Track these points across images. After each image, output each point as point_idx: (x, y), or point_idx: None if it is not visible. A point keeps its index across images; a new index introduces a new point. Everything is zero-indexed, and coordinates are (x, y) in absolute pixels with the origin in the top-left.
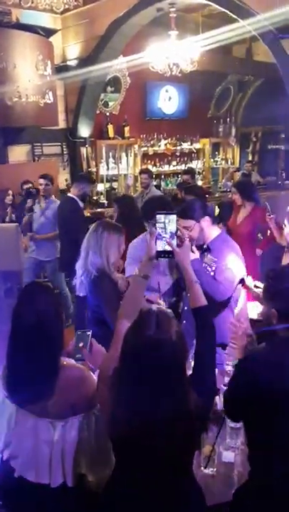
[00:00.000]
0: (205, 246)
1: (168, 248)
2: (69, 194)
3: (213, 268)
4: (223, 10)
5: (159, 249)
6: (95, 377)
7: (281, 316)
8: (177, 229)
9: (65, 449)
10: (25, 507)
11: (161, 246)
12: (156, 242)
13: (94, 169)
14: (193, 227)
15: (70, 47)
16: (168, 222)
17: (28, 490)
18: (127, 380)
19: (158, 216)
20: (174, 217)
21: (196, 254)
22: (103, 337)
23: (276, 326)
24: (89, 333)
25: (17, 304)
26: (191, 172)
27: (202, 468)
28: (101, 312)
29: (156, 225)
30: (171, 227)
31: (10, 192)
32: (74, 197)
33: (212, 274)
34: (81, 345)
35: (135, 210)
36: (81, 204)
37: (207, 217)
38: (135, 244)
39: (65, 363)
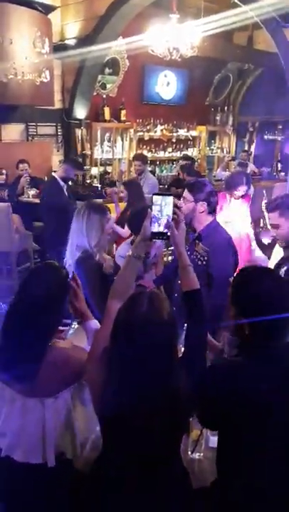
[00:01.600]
0: (196, 234)
1: (163, 230)
2: (53, 173)
3: (206, 258)
4: None
5: (154, 231)
6: (83, 349)
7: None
8: (174, 212)
9: (58, 425)
10: (12, 487)
11: (156, 227)
12: (151, 223)
13: (88, 152)
14: (188, 201)
15: (69, 25)
16: (164, 205)
17: (14, 470)
18: (118, 359)
19: (155, 198)
20: (170, 199)
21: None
22: None
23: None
24: None
25: (24, 282)
26: (189, 158)
27: (189, 452)
28: (85, 293)
29: (153, 206)
30: (168, 209)
31: (3, 171)
32: (56, 176)
33: (204, 263)
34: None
35: (142, 195)
36: (62, 183)
37: (205, 204)
38: (129, 244)
39: (53, 341)
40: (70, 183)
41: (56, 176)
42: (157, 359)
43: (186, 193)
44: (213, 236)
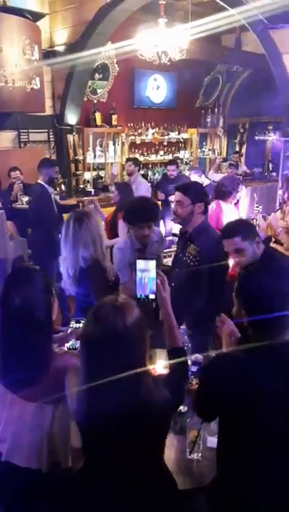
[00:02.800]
0: (188, 235)
1: (150, 295)
2: (38, 181)
3: (198, 258)
4: None
5: (139, 296)
6: None
7: (248, 313)
8: (158, 273)
9: (55, 433)
10: (12, 492)
11: (140, 292)
12: (135, 288)
13: (81, 157)
14: (184, 205)
15: (58, 32)
16: (148, 270)
17: (14, 475)
18: (87, 368)
19: (138, 262)
20: (153, 263)
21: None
22: None
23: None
24: (83, 321)
25: (3, 290)
26: (175, 162)
27: (187, 453)
28: (88, 301)
29: (137, 271)
30: (152, 273)
31: None
32: (41, 182)
33: (196, 264)
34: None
35: (133, 197)
36: (50, 189)
37: (202, 204)
38: (122, 249)
39: (57, 350)
40: (61, 187)
41: (42, 183)
42: (124, 364)
43: (181, 197)
44: (205, 236)
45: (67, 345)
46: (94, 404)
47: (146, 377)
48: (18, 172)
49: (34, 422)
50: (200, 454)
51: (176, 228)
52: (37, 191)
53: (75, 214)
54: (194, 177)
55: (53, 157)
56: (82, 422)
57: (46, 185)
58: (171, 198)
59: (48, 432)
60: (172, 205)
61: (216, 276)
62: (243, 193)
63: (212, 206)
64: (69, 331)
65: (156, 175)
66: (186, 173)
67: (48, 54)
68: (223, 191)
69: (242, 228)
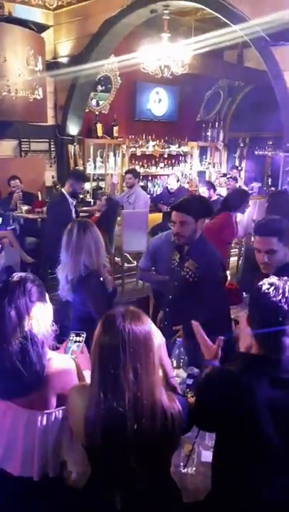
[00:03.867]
0: (186, 250)
1: None
2: (62, 189)
3: (197, 275)
4: (216, 14)
5: None
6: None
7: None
8: None
9: (48, 440)
10: (6, 500)
11: None
12: None
13: (81, 167)
14: (189, 223)
15: (62, 44)
16: None
17: (8, 483)
18: (100, 378)
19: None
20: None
21: None
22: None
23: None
24: (83, 335)
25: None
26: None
27: (181, 467)
28: (85, 310)
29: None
30: None
31: None
32: (64, 192)
33: (195, 280)
34: (75, 347)
35: (116, 215)
36: (70, 200)
37: (205, 219)
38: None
39: (52, 355)
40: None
41: (65, 193)
42: (138, 378)
43: (183, 216)
44: (203, 251)
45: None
46: (106, 414)
47: (160, 387)
48: (17, 181)
49: (29, 429)
50: (194, 469)
51: None
52: (56, 198)
53: (79, 221)
54: (203, 190)
55: (53, 167)
56: (92, 431)
57: (67, 195)
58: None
59: (41, 439)
60: (171, 225)
61: (215, 291)
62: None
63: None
64: (69, 346)
65: (156, 187)
66: (186, 185)
67: (52, 65)
68: (231, 204)
69: (281, 229)
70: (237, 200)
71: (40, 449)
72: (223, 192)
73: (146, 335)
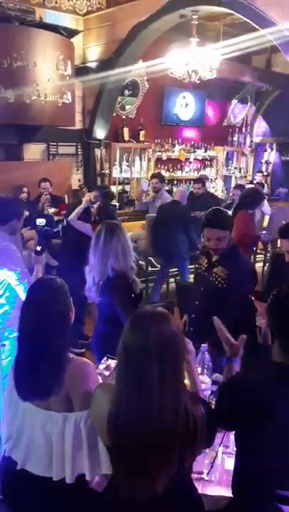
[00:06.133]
0: (215, 257)
1: None
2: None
3: (226, 281)
4: (245, 19)
5: None
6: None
7: (273, 333)
8: None
9: (64, 444)
10: (26, 502)
11: None
12: None
13: (107, 171)
14: (226, 237)
15: (91, 49)
16: None
17: (29, 484)
18: (125, 379)
19: None
20: None
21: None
22: (112, 336)
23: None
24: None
25: (24, 302)
26: (202, 181)
27: (204, 474)
28: (112, 311)
29: None
30: None
31: (25, 189)
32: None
33: (224, 286)
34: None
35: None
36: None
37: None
38: None
39: (71, 356)
40: None
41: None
42: (164, 379)
43: (221, 232)
44: (234, 258)
45: None
46: (129, 414)
47: (185, 390)
48: (48, 183)
49: (44, 431)
50: (217, 476)
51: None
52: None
53: (108, 224)
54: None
55: (80, 170)
56: (115, 431)
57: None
58: (195, 213)
59: (58, 441)
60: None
61: (244, 300)
62: (266, 209)
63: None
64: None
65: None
66: (212, 190)
67: (81, 70)
68: (254, 199)
69: None
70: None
71: (58, 451)
72: None
73: (174, 336)
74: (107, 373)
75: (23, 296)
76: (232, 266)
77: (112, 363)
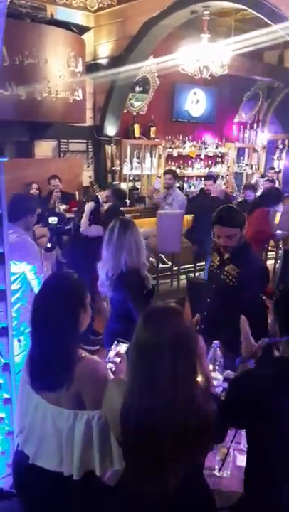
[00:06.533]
0: (227, 255)
1: None
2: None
3: (237, 279)
4: (257, 14)
5: None
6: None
7: (282, 330)
8: None
9: (74, 441)
10: (38, 496)
11: None
12: None
13: (118, 168)
14: (237, 235)
15: (102, 45)
16: None
17: (40, 478)
18: (138, 375)
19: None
20: None
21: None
22: (124, 333)
23: (281, 338)
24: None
25: (36, 294)
26: (213, 177)
27: (216, 470)
28: (124, 308)
29: None
30: None
31: (34, 185)
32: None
33: (235, 285)
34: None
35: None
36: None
37: (245, 226)
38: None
39: (83, 354)
40: None
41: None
42: (177, 375)
43: (231, 230)
44: (247, 257)
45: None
46: (142, 409)
47: (197, 386)
48: (57, 180)
49: (55, 426)
50: (229, 472)
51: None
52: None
53: (121, 220)
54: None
55: (91, 167)
56: (127, 426)
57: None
58: None
59: (67, 437)
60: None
61: (255, 298)
62: (279, 206)
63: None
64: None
65: (192, 188)
66: (223, 187)
67: (92, 66)
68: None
69: None
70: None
71: (68, 447)
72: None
73: (188, 331)
74: (118, 360)
75: (37, 290)
76: (243, 264)
77: (124, 347)
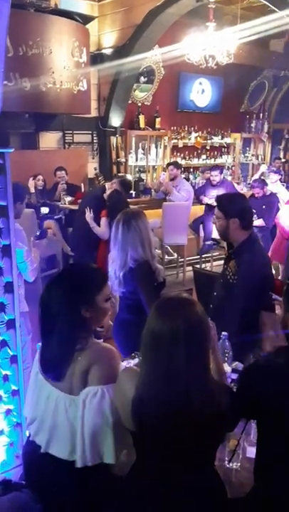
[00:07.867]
0: (230, 251)
1: None
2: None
3: (235, 277)
4: (263, 1)
5: None
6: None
7: None
8: None
9: (86, 428)
10: (50, 486)
11: None
12: None
13: (123, 159)
14: (219, 219)
15: (106, 35)
16: None
17: (53, 467)
18: (152, 365)
19: None
20: None
21: None
22: (134, 324)
23: None
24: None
25: (43, 291)
26: (219, 168)
27: (226, 462)
28: (134, 298)
29: None
30: None
31: (40, 177)
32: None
33: (234, 282)
34: None
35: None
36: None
37: (236, 220)
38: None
39: (95, 341)
40: None
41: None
42: (190, 364)
43: (216, 211)
44: (247, 254)
45: None
46: (154, 400)
47: (211, 376)
48: (63, 172)
49: (67, 415)
50: (239, 464)
51: (216, 233)
52: (95, 193)
53: (125, 215)
54: (274, 177)
55: (96, 158)
56: (139, 417)
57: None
58: (210, 201)
59: (80, 426)
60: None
61: (251, 300)
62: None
63: None
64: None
65: (198, 178)
66: (229, 178)
67: (96, 57)
68: None
69: None
70: None
71: (81, 435)
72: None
73: (202, 321)
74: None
75: (26, 273)
76: (243, 263)
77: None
